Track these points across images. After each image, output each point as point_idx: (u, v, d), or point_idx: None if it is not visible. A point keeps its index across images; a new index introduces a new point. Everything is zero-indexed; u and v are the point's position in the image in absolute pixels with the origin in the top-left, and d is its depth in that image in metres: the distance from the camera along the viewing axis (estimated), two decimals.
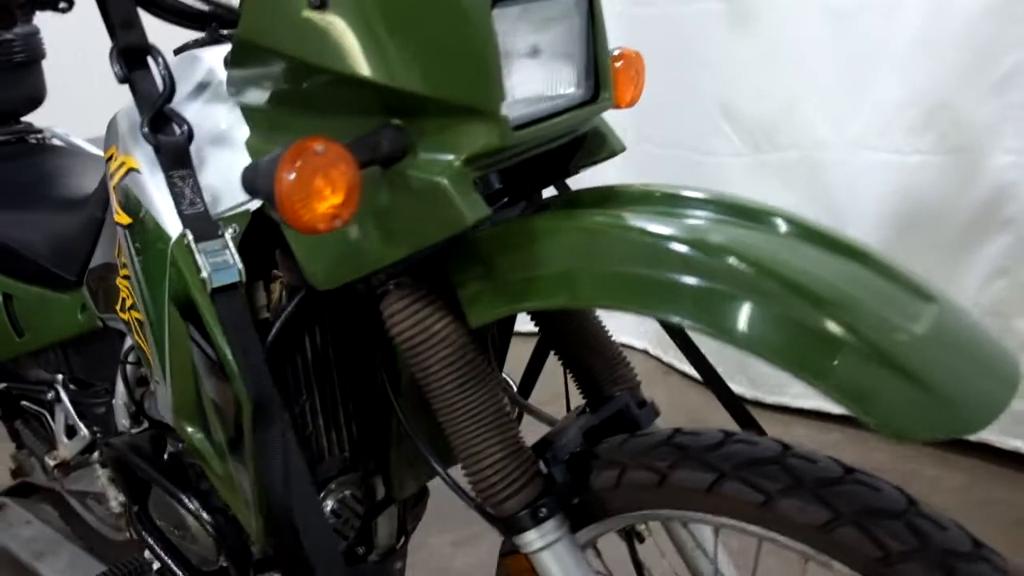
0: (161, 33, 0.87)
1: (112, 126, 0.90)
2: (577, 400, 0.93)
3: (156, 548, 0.97)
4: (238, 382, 0.77)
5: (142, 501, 1.05)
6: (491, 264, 0.74)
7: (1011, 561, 0.67)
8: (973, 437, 1.83)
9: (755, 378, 2.14)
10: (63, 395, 1.21)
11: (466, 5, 0.66)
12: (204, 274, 0.74)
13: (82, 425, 1.18)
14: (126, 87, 0.81)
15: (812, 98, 1.79)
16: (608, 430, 0.90)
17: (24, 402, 1.35)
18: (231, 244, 0.76)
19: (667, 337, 2.31)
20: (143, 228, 0.85)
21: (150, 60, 0.81)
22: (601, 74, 0.76)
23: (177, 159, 0.77)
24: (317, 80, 0.71)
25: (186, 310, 0.83)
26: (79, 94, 1.87)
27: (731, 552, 0.93)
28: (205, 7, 0.91)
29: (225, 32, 0.89)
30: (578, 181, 0.89)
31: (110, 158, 0.90)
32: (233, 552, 0.88)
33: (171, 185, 0.78)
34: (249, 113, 0.80)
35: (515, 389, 1.06)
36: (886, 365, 0.55)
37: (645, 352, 2.54)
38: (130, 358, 1.04)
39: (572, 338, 0.92)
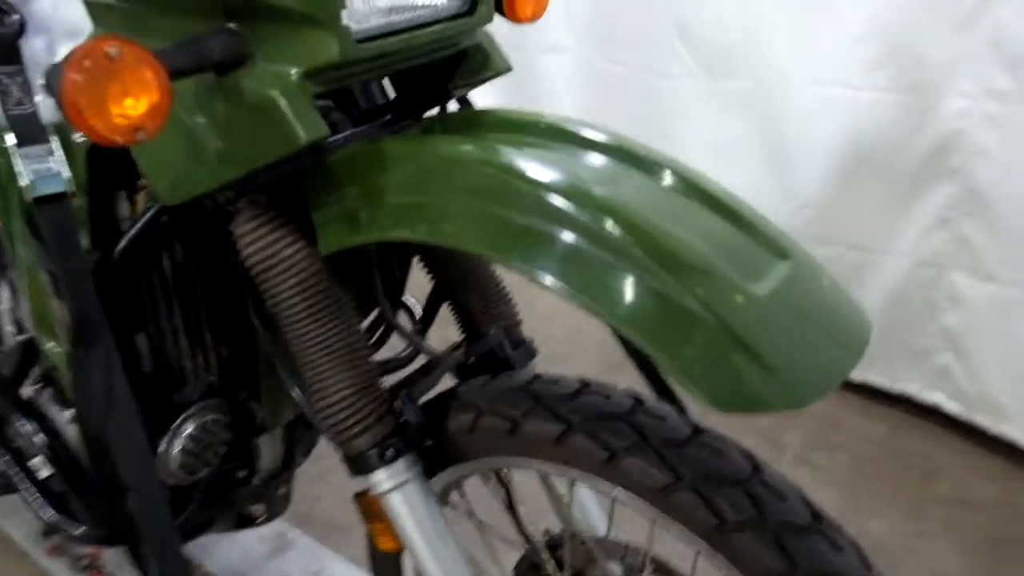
0: None
1: None
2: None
3: (13, 463, 0.94)
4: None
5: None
6: (344, 189, 0.68)
7: (848, 537, 0.64)
8: (896, 389, 1.82)
9: None
10: None
11: None
12: (25, 181, 0.68)
13: None
14: None
15: (771, 26, 1.70)
16: (484, 368, 0.87)
17: None
18: (58, 151, 0.69)
19: None
20: None
21: None
22: None
23: (2, 54, 0.69)
24: None
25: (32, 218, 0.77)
26: None
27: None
28: None
29: None
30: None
31: None
32: (68, 472, 0.85)
33: None
34: (92, 7, 0.73)
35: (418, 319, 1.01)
36: (727, 337, 0.51)
37: None
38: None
39: (450, 271, 0.87)
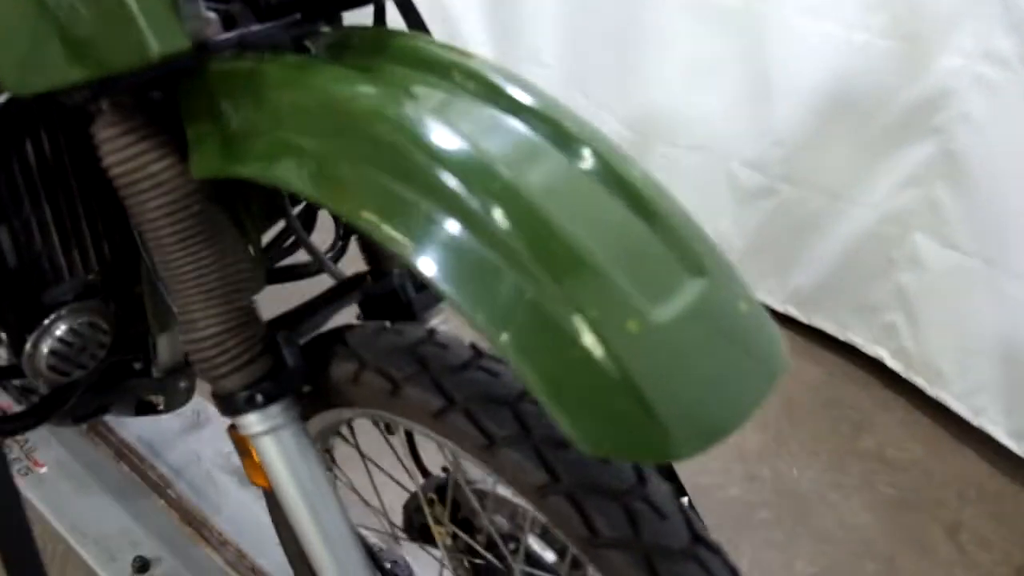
0: None
1: None
2: None
3: None
4: None
5: None
6: (219, 108, 0.58)
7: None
8: (841, 336, 1.80)
9: None
10: None
11: None
12: None
13: None
14: None
15: None
16: (386, 308, 0.80)
17: None
18: None
19: None
20: None
21: None
22: None
23: None
24: None
25: None
26: None
27: None
28: None
29: None
30: None
31: None
32: None
33: None
34: None
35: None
36: (609, 371, 0.44)
37: None
38: None
39: None
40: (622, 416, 0.43)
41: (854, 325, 1.76)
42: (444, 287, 0.46)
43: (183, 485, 1.39)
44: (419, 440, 0.85)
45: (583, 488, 0.57)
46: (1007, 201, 1.40)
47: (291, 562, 1.01)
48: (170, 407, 1.13)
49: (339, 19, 0.69)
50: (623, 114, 1.97)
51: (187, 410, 1.52)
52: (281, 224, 0.82)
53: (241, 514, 1.32)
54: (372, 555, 0.91)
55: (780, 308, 1.88)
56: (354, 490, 0.90)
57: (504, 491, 0.79)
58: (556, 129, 0.53)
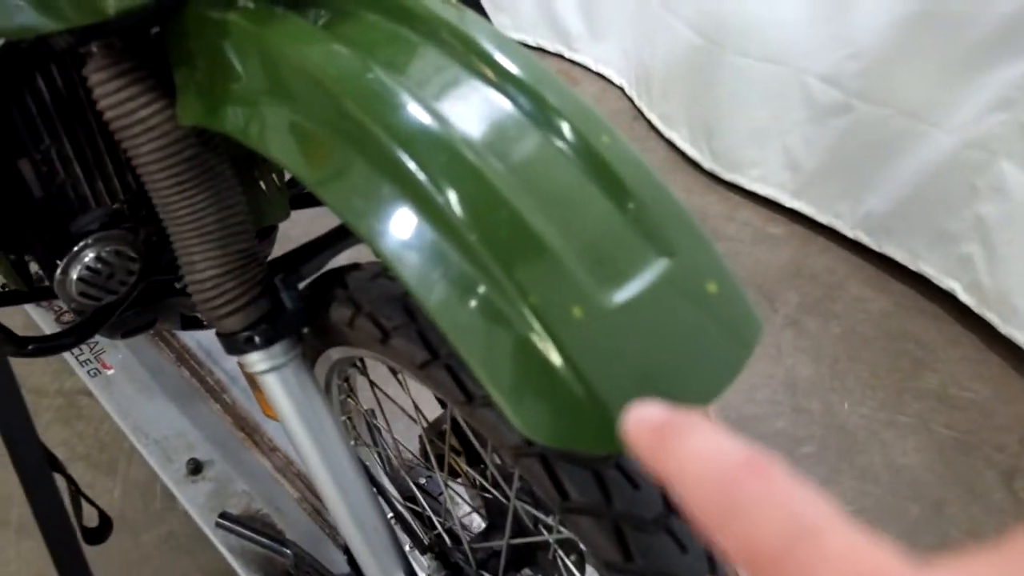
0: None
1: None
2: None
3: None
4: None
5: None
6: (195, 55, 0.57)
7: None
8: (912, 265, 1.70)
9: (718, 151, 1.96)
10: None
11: None
12: None
13: None
14: None
15: None
16: None
17: None
18: None
19: (646, 79, 2.10)
20: None
21: None
22: None
23: None
24: None
25: None
26: None
27: None
28: None
29: None
30: None
31: None
32: None
33: None
34: None
35: None
36: (548, 356, 0.42)
37: (621, 89, 2.32)
38: None
39: None
40: (566, 404, 0.42)
41: (927, 255, 1.66)
42: (399, 270, 0.45)
43: (237, 391, 1.46)
44: None
45: (555, 452, 0.57)
46: None
47: None
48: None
49: None
50: (692, 19, 1.85)
51: None
52: None
53: None
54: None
55: (850, 234, 1.79)
56: (368, 420, 0.92)
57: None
58: (538, 103, 0.49)
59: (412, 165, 0.45)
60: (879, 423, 1.52)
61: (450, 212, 0.44)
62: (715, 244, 0.49)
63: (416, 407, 0.86)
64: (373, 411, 0.97)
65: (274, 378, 0.73)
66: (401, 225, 0.45)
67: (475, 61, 0.51)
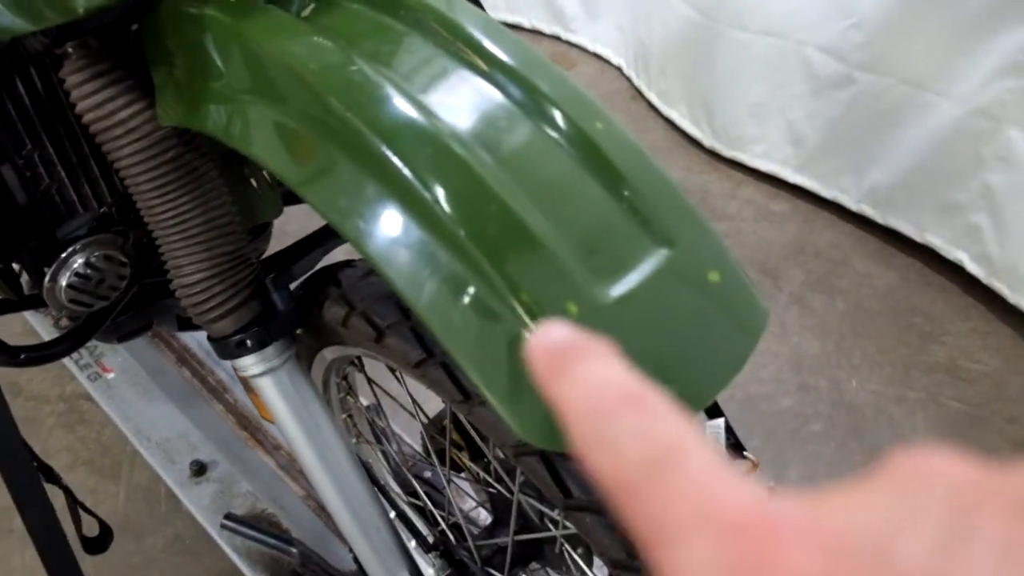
0: None
1: None
2: None
3: None
4: None
5: None
6: (173, 52, 0.55)
7: None
8: (918, 238, 1.68)
9: (719, 128, 1.93)
10: None
11: None
12: None
13: None
14: None
15: None
16: None
17: None
18: None
19: (644, 58, 2.07)
20: None
21: None
22: None
23: None
24: None
25: None
26: None
27: None
28: None
29: None
30: None
31: None
32: None
33: None
34: None
35: None
36: None
37: (619, 70, 2.28)
38: None
39: None
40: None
41: (934, 227, 1.64)
42: (387, 271, 0.43)
43: (239, 391, 1.45)
44: None
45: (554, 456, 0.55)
46: None
47: None
48: None
49: None
50: None
51: None
52: None
53: None
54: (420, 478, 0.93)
55: (854, 207, 1.76)
56: (367, 417, 0.91)
57: None
58: (528, 90, 0.47)
59: (397, 161, 0.43)
60: (888, 399, 1.50)
61: (437, 208, 0.42)
62: (716, 231, 0.47)
63: (415, 403, 0.84)
64: (374, 408, 0.95)
65: (268, 381, 0.71)
66: (387, 224, 0.44)
67: (463, 49, 0.49)
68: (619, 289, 0.42)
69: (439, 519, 0.92)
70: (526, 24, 2.49)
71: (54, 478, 0.80)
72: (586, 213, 0.44)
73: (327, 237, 0.75)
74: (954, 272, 1.64)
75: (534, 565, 0.85)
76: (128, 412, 1.37)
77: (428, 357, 0.61)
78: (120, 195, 0.84)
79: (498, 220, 0.42)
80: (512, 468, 0.77)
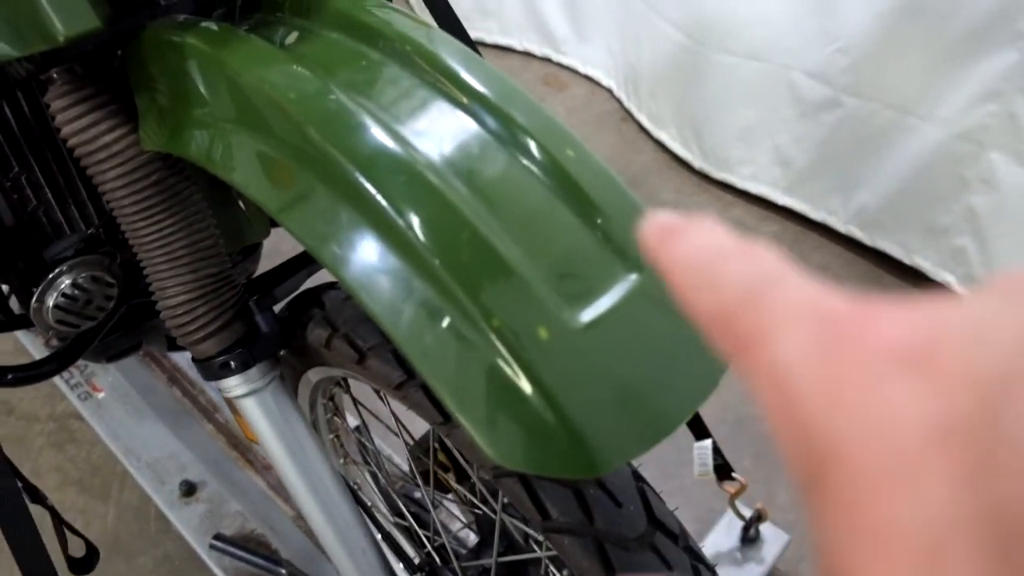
0: None
1: None
2: None
3: None
4: None
5: None
6: (154, 78, 0.56)
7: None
8: (906, 260, 1.69)
9: (708, 150, 1.95)
10: None
11: None
12: None
13: None
14: None
15: None
16: None
17: None
18: None
19: (634, 80, 2.09)
20: None
21: None
22: None
23: None
24: None
25: None
26: None
27: None
28: None
29: None
30: None
31: None
32: None
33: None
34: None
35: None
36: (514, 380, 0.41)
37: (609, 91, 2.31)
38: None
39: None
40: (536, 430, 0.41)
41: (921, 249, 1.65)
42: (363, 298, 0.44)
43: (229, 411, 1.45)
44: None
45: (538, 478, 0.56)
46: None
47: None
48: None
49: None
50: (676, 17, 1.84)
51: None
52: None
53: None
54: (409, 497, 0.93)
55: (843, 229, 1.77)
56: (356, 435, 0.91)
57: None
58: (504, 121, 0.48)
59: (372, 189, 0.44)
60: None
61: (412, 236, 0.43)
62: None
63: (400, 424, 0.85)
64: (360, 429, 0.96)
65: (252, 402, 0.72)
66: (364, 252, 0.44)
67: (440, 80, 0.50)
68: (590, 314, 0.43)
69: (425, 540, 0.92)
70: (517, 46, 2.51)
71: (39, 498, 0.81)
72: (558, 240, 0.45)
73: (311, 259, 0.76)
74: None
75: None
76: (118, 432, 1.37)
77: (409, 379, 0.61)
78: (107, 217, 0.85)
79: (471, 248, 0.43)
80: (496, 490, 0.77)
